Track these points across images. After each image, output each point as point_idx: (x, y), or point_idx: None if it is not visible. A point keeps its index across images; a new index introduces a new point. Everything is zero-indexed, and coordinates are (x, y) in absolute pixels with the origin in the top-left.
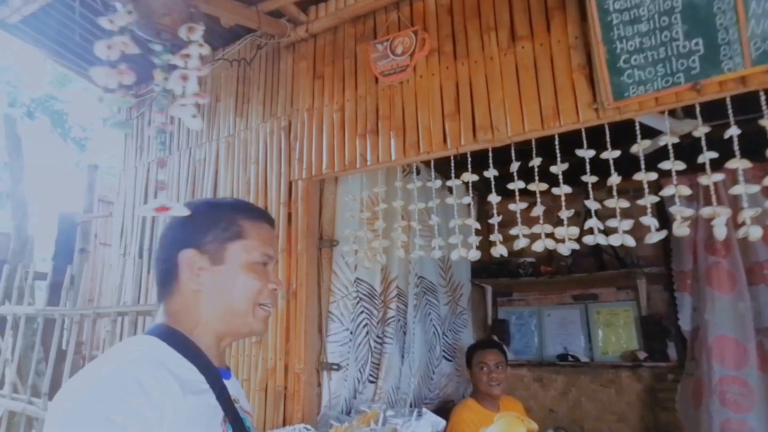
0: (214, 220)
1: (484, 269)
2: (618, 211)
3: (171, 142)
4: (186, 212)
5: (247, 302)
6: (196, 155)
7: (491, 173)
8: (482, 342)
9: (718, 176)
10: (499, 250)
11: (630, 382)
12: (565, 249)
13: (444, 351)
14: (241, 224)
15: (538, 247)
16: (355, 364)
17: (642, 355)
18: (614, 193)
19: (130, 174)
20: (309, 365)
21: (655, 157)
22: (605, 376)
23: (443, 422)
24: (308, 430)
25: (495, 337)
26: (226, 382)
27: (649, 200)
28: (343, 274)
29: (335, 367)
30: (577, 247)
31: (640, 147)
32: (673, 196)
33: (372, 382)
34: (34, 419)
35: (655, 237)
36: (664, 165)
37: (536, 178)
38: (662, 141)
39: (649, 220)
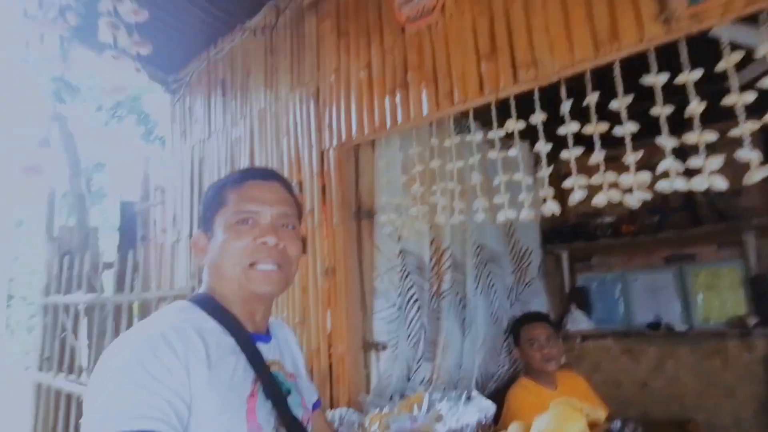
0: (208, 198)
1: (556, 234)
2: (702, 147)
3: (210, 125)
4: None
5: (234, 265)
6: (232, 134)
7: (538, 117)
8: (527, 315)
9: None
10: (551, 207)
11: (739, 351)
12: (633, 201)
13: None
14: (225, 192)
15: (599, 200)
16: (406, 342)
17: (753, 320)
18: (696, 124)
19: (176, 159)
20: (353, 346)
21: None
22: (708, 345)
23: (493, 407)
24: (351, 412)
25: (574, 306)
26: (262, 345)
27: (747, 128)
28: (386, 246)
29: (382, 346)
30: (648, 197)
31: (729, 61)
32: None
33: (428, 360)
34: None
35: (757, 174)
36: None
37: (593, 117)
38: (761, 51)
39: (749, 153)
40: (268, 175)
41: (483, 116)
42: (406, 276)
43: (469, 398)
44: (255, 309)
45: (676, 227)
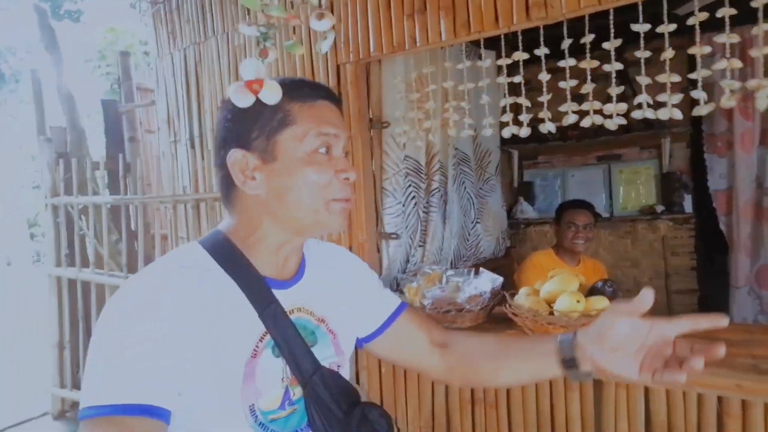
0: (257, 111)
1: (513, 137)
2: (669, 86)
3: (206, 26)
4: (274, 96)
5: (315, 200)
6: (234, 40)
7: (542, 51)
8: (574, 202)
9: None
10: (548, 127)
11: (645, 233)
12: (612, 125)
13: (476, 215)
14: (288, 108)
15: (586, 123)
16: (406, 232)
17: (659, 208)
18: (667, 68)
19: (166, 61)
20: (370, 236)
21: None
22: (623, 228)
23: (500, 279)
24: None
25: (521, 199)
26: (284, 291)
27: (701, 74)
28: (393, 152)
29: (394, 236)
30: (623, 122)
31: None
32: (724, 71)
33: (421, 246)
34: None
35: (703, 110)
36: (720, 38)
37: (587, 54)
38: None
39: (699, 94)
40: (334, 97)
41: (490, 43)
42: (406, 177)
43: (477, 273)
44: (291, 249)
45: (611, 132)
